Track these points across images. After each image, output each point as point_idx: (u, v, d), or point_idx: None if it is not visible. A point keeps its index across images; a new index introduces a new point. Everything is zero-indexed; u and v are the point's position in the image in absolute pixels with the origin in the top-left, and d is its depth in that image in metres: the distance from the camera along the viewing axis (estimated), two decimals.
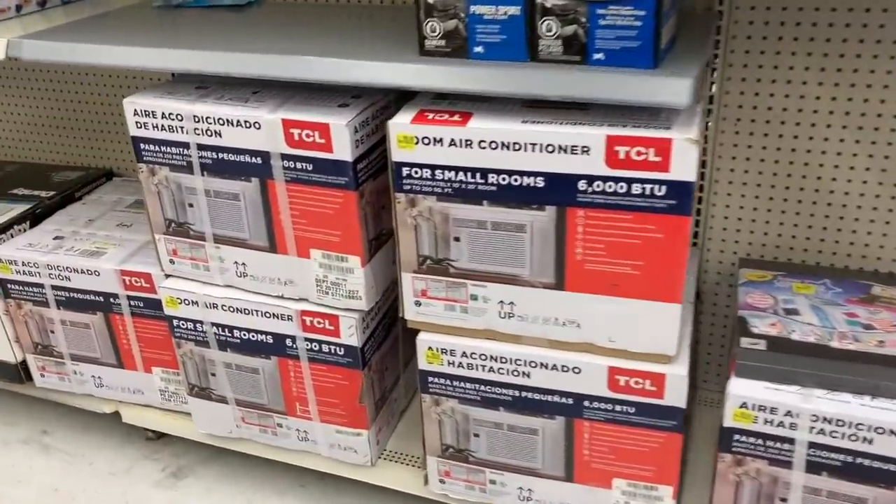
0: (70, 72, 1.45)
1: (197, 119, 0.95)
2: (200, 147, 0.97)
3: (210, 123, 0.95)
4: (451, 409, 0.99)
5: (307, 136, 0.91)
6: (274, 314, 1.04)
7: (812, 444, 0.83)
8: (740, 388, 0.85)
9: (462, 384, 0.97)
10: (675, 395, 0.88)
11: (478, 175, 0.84)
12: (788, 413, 0.83)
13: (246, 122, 0.93)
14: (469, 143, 0.82)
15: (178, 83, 1.03)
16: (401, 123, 0.84)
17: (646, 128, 0.78)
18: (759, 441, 0.86)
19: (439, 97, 0.90)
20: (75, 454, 1.36)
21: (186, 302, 1.08)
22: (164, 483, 1.28)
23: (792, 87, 1.00)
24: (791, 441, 0.84)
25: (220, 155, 0.96)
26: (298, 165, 0.93)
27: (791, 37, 0.98)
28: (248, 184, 0.97)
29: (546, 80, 0.78)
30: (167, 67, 0.93)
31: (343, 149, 0.90)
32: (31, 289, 1.21)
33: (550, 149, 0.80)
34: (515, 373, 0.93)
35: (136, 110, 0.98)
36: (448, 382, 0.97)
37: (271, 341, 1.06)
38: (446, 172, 0.85)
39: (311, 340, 1.04)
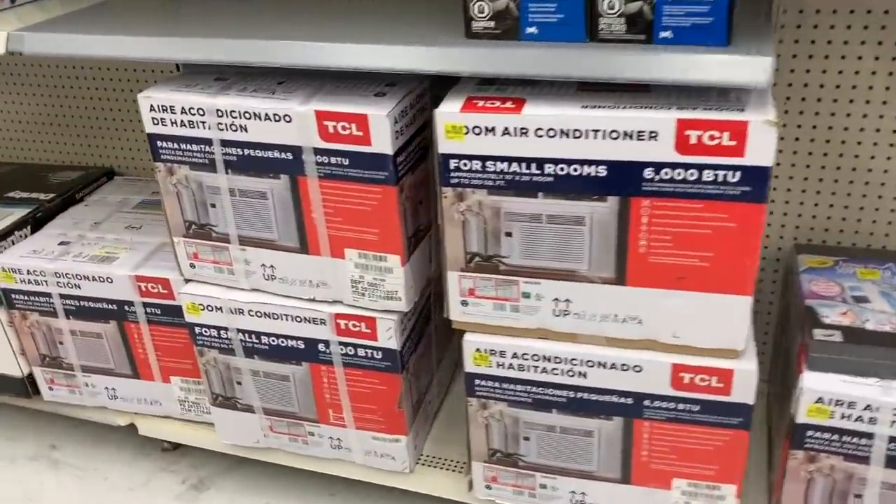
0: (62, 66, 1.37)
1: (220, 113, 0.88)
2: (224, 143, 0.90)
3: (235, 118, 0.88)
4: (500, 413, 0.94)
5: (343, 128, 0.84)
6: (305, 318, 0.98)
7: (893, 439, 0.79)
8: (815, 383, 0.81)
9: (512, 386, 0.91)
10: (744, 391, 0.84)
11: (533, 165, 0.78)
12: (868, 407, 0.79)
13: (275, 115, 0.86)
14: (524, 131, 0.77)
15: (194, 75, 0.96)
16: (449, 112, 0.78)
17: (718, 110, 0.73)
18: (835, 437, 0.81)
19: (484, 82, 0.84)
20: (87, 469, 1.29)
21: (209, 308, 1.01)
22: (186, 496, 1.22)
23: (846, 63, 0.95)
24: (870, 436, 0.80)
25: (246, 151, 0.90)
26: (333, 160, 0.87)
27: (846, 8, 0.93)
28: (277, 181, 0.91)
29: (608, 62, 0.72)
30: (185, 58, 0.86)
31: (383, 141, 0.84)
32: (37, 298, 1.13)
33: (615, 135, 0.75)
34: (570, 373, 0.88)
35: (152, 105, 0.91)
36: (497, 385, 0.92)
37: (302, 347, 1.00)
38: (498, 164, 0.79)
39: (346, 344, 0.98)
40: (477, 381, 0.93)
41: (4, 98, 1.45)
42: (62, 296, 1.12)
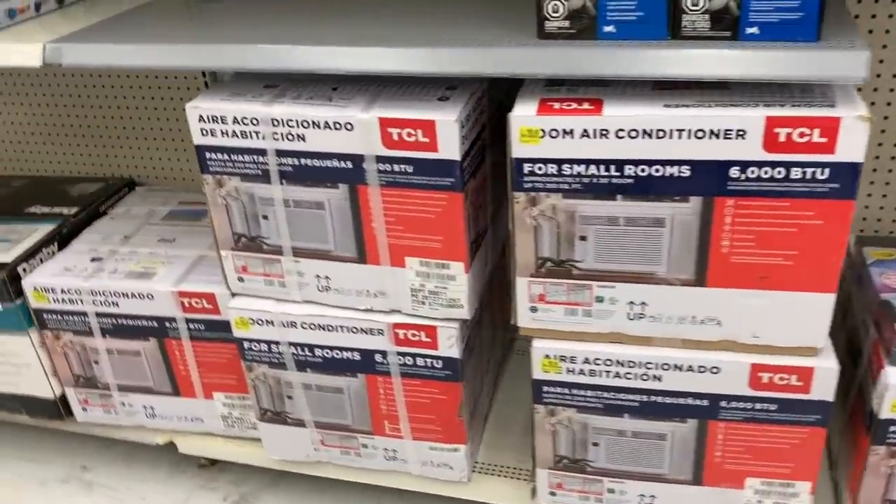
0: (69, 75, 1.32)
1: (276, 122, 0.85)
2: (280, 153, 0.87)
3: (292, 127, 0.85)
4: (568, 419, 0.92)
5: (408, 135, 0.82)
6: (362, 329, 0.95)
7: None
8: None
9: (582, 392, 0.90)
10: (823, 388, 0.82)
11: (612, 167, 0.76)
12: None
13: (336, 123, 0.83)
14: (605, 132, 0.75)
15: (240, 83, 0.93)
16: (525, 116, 0.76)
17: (807, 107, 0.71)
18: None
19: (552, 83, 0.82)
20: (122, 489, 1.26)
21: (260, 322, 0.98)
22: None
23: None
24: None
25: (303, 161, 0.87)
26: (396, 168, 0.84)
27: None
28: (335, 191, 0.88)
29: (693, 60, 0.70)
30: (238, 67, 0.83)
31: (450, 147, 0.81)
32: (71, 318, 1.09)
33: (700, 134, 0.73)
34: (645, 377, 0.87)
35: (201, 116, 0.88)
36: (566, 391, 0.90)
37: (358, 358, 0.98)
38: (575, 166, 0.77)
39: (405, 354, 0.96)
40: (545, 388, 0.91)
41: (10, 109, 1.39)
42: (98, 314, 1.08)
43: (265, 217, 0.92)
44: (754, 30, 0.69)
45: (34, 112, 1.38)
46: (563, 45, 0.73)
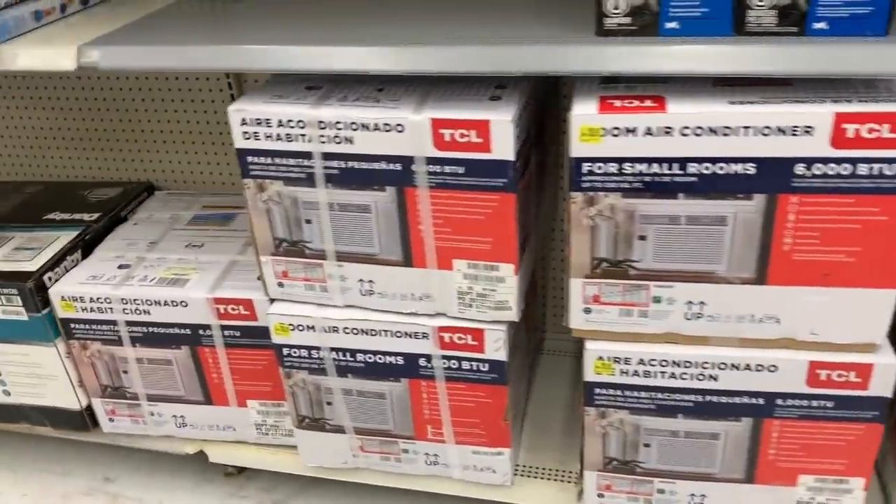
0: (82, 77, 1.29)
1: (323, 125, 0.83)
2: (326, 156, 0.85)
3: (340, 129, 0.83)
4: (620, 421, 0.91)
5: (461, 136, 0.80)
6: (406, 333, 0.94)
7: None
8: None
9: (635, 393, 0.89)
10: (882, 384, 0.82)
11: (675, 166, 0.75)
12: None
13: (386, 125, 0.81)
14: (669, 130, 0.73)
15: (280, 84, 0.90)
16: (586, 115, 0.75)
17: (875, 102, 0.70)
18: None
19: (607, 80, 0.80)
20: (150, 500, 1.23)
21: (300, 328, 0.96)
22: None
23: None
24: None
25: (350, 164, 0.85)
26: (447, 169, 0.82)
27: None
28: (382, 193, 0.86)
29: (758, 56, 0.69)
30: (289, 69, 0.81)
31: (504, 147, 0.80)
32: (100, 326, 1.07)
33: (766, 131, 0.72)
34: (700, 377, 0.86)
35: (244, 119, 0.86)
36: (619, 393, 0.89)
37: (402, 363, 0.96)
38: (637, 165, 0.76)
39: (450, 358, 0.94)
40: (597, 390, 0.89)
41: (19, 113, 1.36)
42: (128, 323, 1.05)
43: (308, 221, 0.90)
44: (822, 25, 0.68)
45: (45, 116, 1.35)
46: (624, 43, 0.72)
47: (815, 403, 0.85)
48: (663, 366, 0.86)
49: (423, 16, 0.87)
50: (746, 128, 0.72)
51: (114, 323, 1.06)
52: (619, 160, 0.76)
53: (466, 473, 1.04)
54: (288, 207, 0.90)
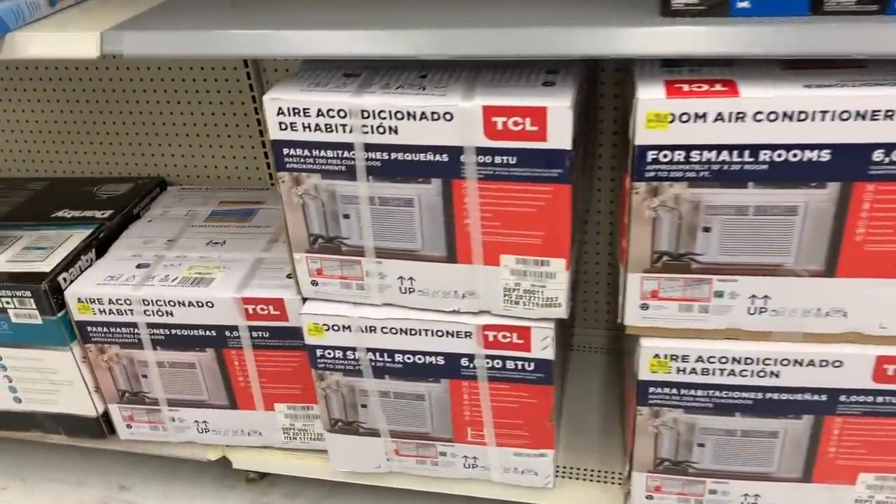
0: (90, 68, 1.24)
1: (366, 114, 0.79)
2: (368, 147, 0.80)
3: (384, 119, 0.78)
4: (674, 420, 0.88)
5: (515, 124, 0.76)
6: (448, 332, 0.90)
7: None
8: None
9: (692, 392, 0.85)
10: None
11: (746, 153, 0.71)
12: None
13: (434, 113, 0.77)
14: (741, 116, 0.70)
15: (315, 72, 0.86)
16: (654, 100, 0.70)
17: None
18: None
19: (669, 64, 0.76)
20: None
21: (335, 328, 0.92)
22: None
23: None
24: None
25: (393, 155, 0.80)
26: (497, 160, 0.78)
27: None
28: (427, 186, 0.82)
29: (838, 37, 0.66)
30: (330, 54, 0.76)
31: (561, 136, 0.76)
32: (119, 329, 1.02)
33: (845, 116, 0.68)
34: (762, 373, 0.82)
35: (280, 108, 0.81)
36: (675, 391, 0.85)
37: (442, 363, 0.92)
38: (705, 153, 0.72)
39: (494, 357, 0.90)
40: (651, 389, 0.86)
41: (21, 106, 1.30)
42: (150, 325, 1.00)
43: (346, 216, 0.86)
44: None
45: (48, 109, 1.29)
46: (692, 23, 0.68)
47: (879, 399, 0.82)
48: (723, 363, 0.82)
49: None
50: (823, 112, 0.68)
51: (133, 325, 1.01)
52: (687, 147, 0.72)
53: (506, 476, 1.00)
54: (325, 202, 0.85)
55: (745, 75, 0.72)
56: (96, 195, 1.21)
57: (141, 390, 1.07)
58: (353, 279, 0.90)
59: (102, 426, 1.11)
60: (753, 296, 0.79)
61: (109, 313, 1.01)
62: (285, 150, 0.83)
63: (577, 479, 1.02)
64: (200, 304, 0.98)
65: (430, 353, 0.92)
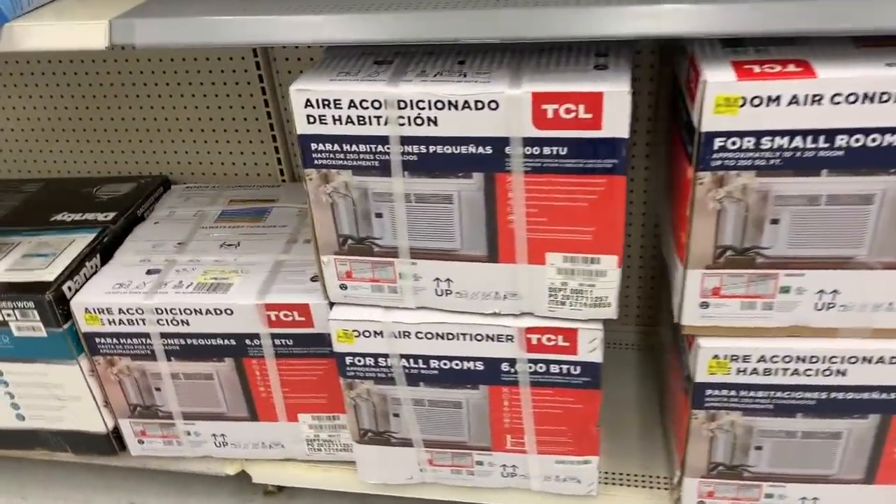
0: (86, 60, 1.16)
1: (403, 105, 0.73)
2: (405, 140, 0.74)
3: (422, 109, 0.72)
4: (731, 423, 0.83)
5: (567, 111, 0.70)
6: (488, 336, 0.84)
7: None
8: None
9: (752, 393, 0.80)
10: None
11: (821, 138, 0.66)
12: None
13: (478, 102, 0.71)
14: (818, 98, 0.64)
15: (341, 60, 0.79)
16: (723, 82, 0.65)
17: None
18: None
19: (730, 44, 0.71)
20: None
21: (366, 334, 0.86)
22: None
23: None
24: None
25: (432, 148, 0.74)
26: (546, 151, 0.72)
27: None
28: (468, 181, 0.76)
29: None
30: (369, 39, 0.70)
31: (618, 123, 0.70)
32: (130, 340, 0.95)
33: None
34: (827, 372, 0.77)
35: (308, 100, 0.74)
36: (733, 393, 0.80)
37: (482, 368, 0.86)
38: (777, 139, 0.67)
39: (537, 361, 0.85)
40: (709, 391, 0.81)
41: (10, 103, 1.22)
42: (163, 335, 0.94)
43: (379, 215, 0.80)
44: None
45: (40, 105, 1.21)
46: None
47: None
48: (786, 362, 0.78)
49: None
50: None
51: (146, 336, 0.94)
52: (758, 134, 0.67)
53: (547, 485, 0.95)
54: (356, 200, 0.79)
55: (818, 55, 0.67)
56: (96, 196, 1.14)
57: (154, 404, 1.01)
58: (386, 282, 0.84)
59: (112, 442, 1.04)
60: (821, 290, 0.74)
61: (120, 324, 0.94)
62: (313, 145, 0.77)
63: (619, 484, 0.98)
64: (219, 312, 0.91)
65: (469, 359, 0.86)
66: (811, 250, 0.72)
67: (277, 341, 0.93)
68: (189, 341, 0.94)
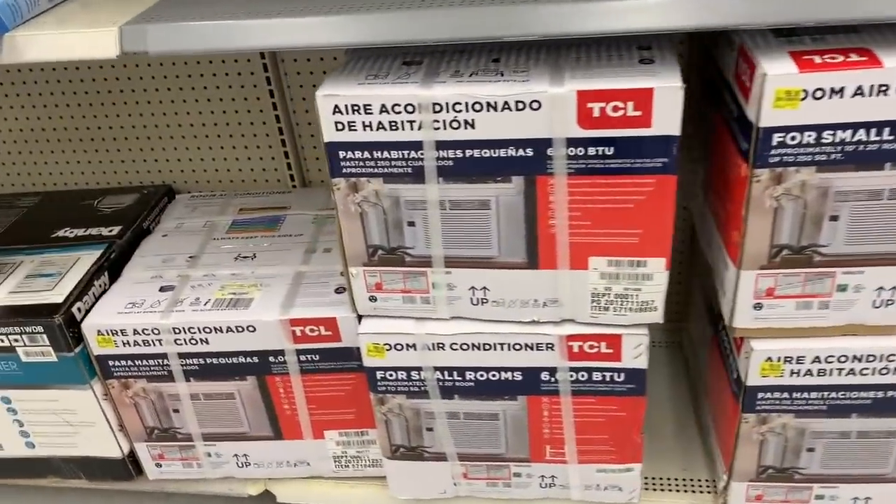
0: (80, 68, 1.11)
1: (438, 108, 0.68)
2: (440, 145, 0.70)
3: (458, 112, 0.68)
4: (783, 426, 0.80)
5: (615, 109, 0.66)
6: (527, 345, 0.81)
7: None
8: None
9: (805, 395, 0.77)
10: None
11: (885, 131, 0.63)
12: None
13: (518, 102, 0.67)
14: (884, 89, 0.61)
15: (367, 61, 0.75)
16: (784, 75, 0.61)
17: None
18: None
19: (782, 34, 0.67)
20: None
21: (398, 347, 0.82)
22: None
23: None
24: None
25: (469, 152, 0.70)
26: (591, 151, 0.69)
27: None
28: (507, 185, 0.72)
29: None
30: (392, 41, 0.66)
31: (669, 120, 0.66)
32: (146, 362, 0.91)
33: None
34: (884, 370, 0.75)
35: (337, 106, 0.70)
36: (786, 396, 0.77)
37: (520, 378, 0.83)
38: (839, 132, 0.63)
39: (579, 370, 0.81)
40: (760, 395, 0.78)
41: (3, 114, 1.17)
42: (181, 355, 0.89)
43: (411, 224, 0.76)
44: None
45: (34, 115, 1.16)
46: None
47: None
48: (842, 362, 0.75)
49: None
50: None
51: (163, 357, 0.90)
52: (819, 128, 0.63)
53: (588, 494, 0.92)
54: (387, 209, 0.75)
55: (880, 42, 0.63)
56: (98, 209, 1.09)
57: (172, 426, 0.96)
58: (418, 292, 0.80)
59: (129, 467, 1.00)
60: (881, 287, 0.71)
61: (135, 345, 0.90)
62: (342, 153, 0.73)
63: (660, 490, 0.95)
64: (240, 329, 0.87)
65: (507, 369, 0.83)
66: (870, 247, 0.69)
67: (303, 357, 0.88)
68: (209, 360, 0.90)
